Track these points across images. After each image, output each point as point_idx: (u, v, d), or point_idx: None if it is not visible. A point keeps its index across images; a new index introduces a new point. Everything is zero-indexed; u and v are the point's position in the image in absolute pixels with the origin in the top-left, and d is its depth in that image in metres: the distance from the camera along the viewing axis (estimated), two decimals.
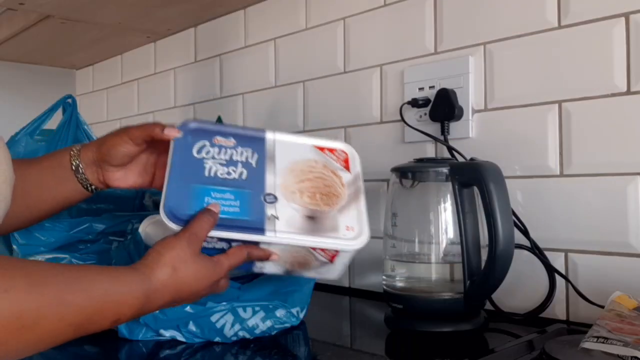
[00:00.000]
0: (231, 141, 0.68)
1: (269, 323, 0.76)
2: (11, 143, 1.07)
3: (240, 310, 0.75)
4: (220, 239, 0.62)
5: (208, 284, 0.61)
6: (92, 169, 0.73)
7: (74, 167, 0.73)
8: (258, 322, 0.76)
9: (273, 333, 0.77)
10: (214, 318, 0.75)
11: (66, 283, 0.49)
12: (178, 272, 0.58)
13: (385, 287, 0.86)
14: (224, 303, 0.75)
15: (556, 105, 0.87)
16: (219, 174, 0.65)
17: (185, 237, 0.59)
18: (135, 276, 0.55)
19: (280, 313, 0.77)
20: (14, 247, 0.88)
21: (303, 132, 1.24)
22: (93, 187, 0.74)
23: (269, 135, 0.70)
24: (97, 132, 1.34)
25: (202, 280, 0.60)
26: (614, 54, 0.82)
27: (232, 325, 0.75)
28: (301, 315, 0.81)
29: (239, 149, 0.67)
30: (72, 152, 0.73)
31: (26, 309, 0.45)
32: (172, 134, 0.68)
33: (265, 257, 0.64)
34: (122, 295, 0.53)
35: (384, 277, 0.87)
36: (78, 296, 0.49)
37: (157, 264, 0.57)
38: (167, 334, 0.75)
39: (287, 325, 0.78)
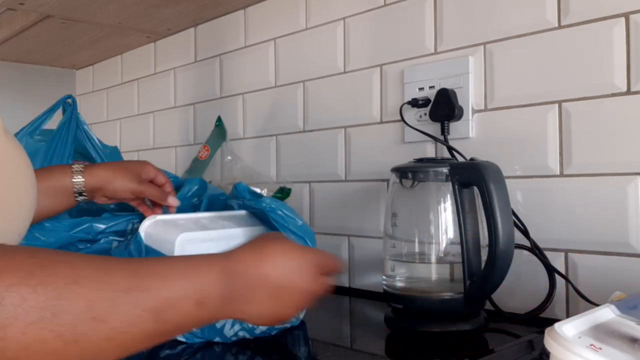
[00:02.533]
0: None
1: None
2: None
3: None
4: None
5: (299, 264, 0.53)
6: (91, 194, 0.84)
7: (76, 193, 0.83)
8: None
9: (273, 333, 0.77)
10: None
11: (136, 269, 0.45)
12: (263, 248, 0.53)
13: (385, 287, 0.86)
14: None
15: (556, 105, 0.87)
16: None
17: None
18: (214, 255, 0.51)
19: None
20: None
21: (303, 132, 1.24)
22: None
23: None
24: (97, 132, 1.34)
25: (290, 255, 0.53)
26: (614, 54, 0.82)
27: (232, 325, 0.75)
28: (301, 316, 0.81)
29: None
30: (74, 179, 0.82)
31: (97, 298, 0.41)
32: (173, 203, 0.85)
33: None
34: (199, 272, 0.47)
35: (384, 277, 0.87)
36: (151, 279, 0.44)
37: (241, 247, 0.53)
38: None
39: (287, 325, 0.78)
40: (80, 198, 0.83)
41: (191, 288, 0.46)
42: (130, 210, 0.91)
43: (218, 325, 0.74)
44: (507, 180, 0.77)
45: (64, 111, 1.07)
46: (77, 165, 0.84)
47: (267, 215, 0.84)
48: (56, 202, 0.83)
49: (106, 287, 0.42)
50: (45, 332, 0.38)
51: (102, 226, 0.90)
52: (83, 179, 0.82)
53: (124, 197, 0.86)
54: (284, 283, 0.52)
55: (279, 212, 0.83)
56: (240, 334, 0.75)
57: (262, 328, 0.76)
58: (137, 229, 0.79)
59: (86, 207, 0.96)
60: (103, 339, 0.41)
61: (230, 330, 0.75)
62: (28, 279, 0.39)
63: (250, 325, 0.75)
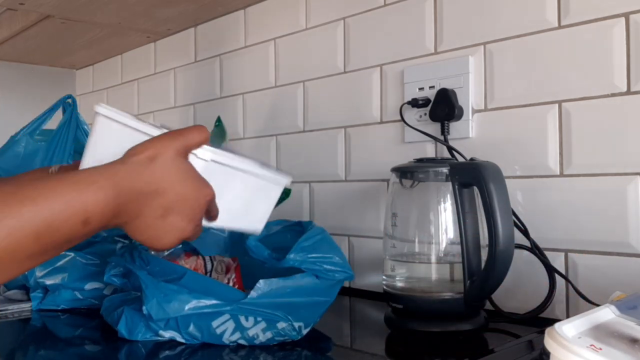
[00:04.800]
0: None
1: (269, 335, 0.75)
2: (11, 143, 1.07)
3: (242, 319, 0.75)
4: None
5: (195, 187, 0.54)
6: None
7: None
8: (259, 332, 0.74)
9: (272, 344, 0.76)
10: (215, 323, 0.74)
11: (14, 192, 0.45)
12: (155, 160, 0.52)
13: (385, 287, 0.86)
14: (228, 308, 0.74)
15: (556, 105, 0.87)
16: None
17: (171, 134, 0.54)
18: (100, 170, 0.50)
19: (281, 325, 0.76)
20: None
21: (303, 132, 1.24)
22: None
23: None
24: None
25: (188, 182, 0.54)
26: (614, 54, 0.81)
27: (232, 333, 0.74)
28: (304, 331, 0.77)
29: None
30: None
31: None
32: None
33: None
34: (84, 191, 0.47)
35: (384, 277, 0.87)
36: (26, 206, 0.44)
37: (130, 153, 0.52)
38: (167, 334, 0.75)
39: (287, 338, 0.76)
40: None
41: (74, 208, 0.46)
42: None
43: (218, 331, 0.74)
44: (507, 180, 0.77)
45: (64, 111, 1.08)
46: None
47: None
48: None
49: None
50: None
51: None
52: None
53: None
54: (177, 198, 0.53)
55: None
56: (240, 342, 0.75)
57: (261, 339, 0.75)
58: None
59: None
60: None
61: (230, 337, 0.74)
62: None
63: (250, 335, 0.75)
